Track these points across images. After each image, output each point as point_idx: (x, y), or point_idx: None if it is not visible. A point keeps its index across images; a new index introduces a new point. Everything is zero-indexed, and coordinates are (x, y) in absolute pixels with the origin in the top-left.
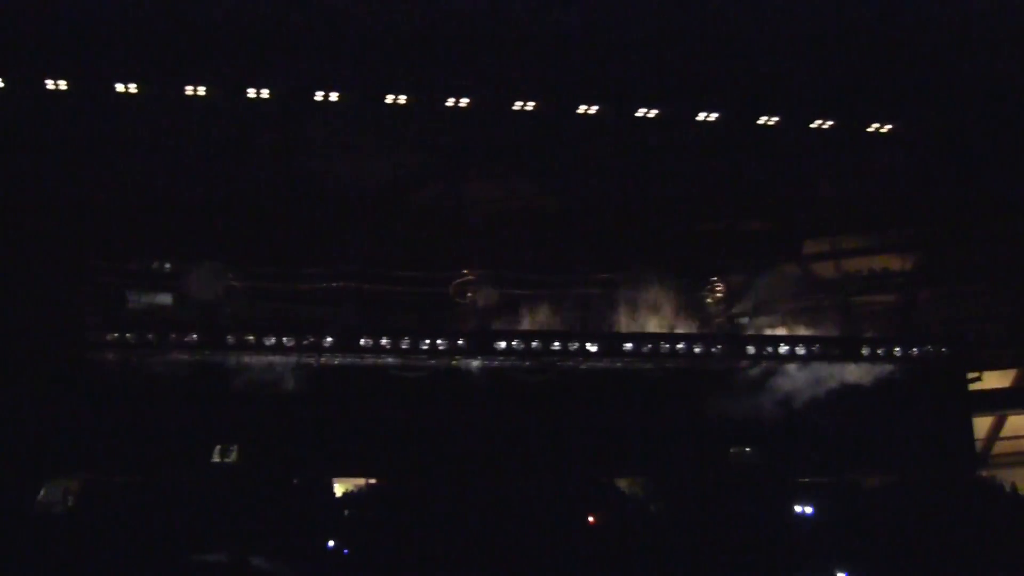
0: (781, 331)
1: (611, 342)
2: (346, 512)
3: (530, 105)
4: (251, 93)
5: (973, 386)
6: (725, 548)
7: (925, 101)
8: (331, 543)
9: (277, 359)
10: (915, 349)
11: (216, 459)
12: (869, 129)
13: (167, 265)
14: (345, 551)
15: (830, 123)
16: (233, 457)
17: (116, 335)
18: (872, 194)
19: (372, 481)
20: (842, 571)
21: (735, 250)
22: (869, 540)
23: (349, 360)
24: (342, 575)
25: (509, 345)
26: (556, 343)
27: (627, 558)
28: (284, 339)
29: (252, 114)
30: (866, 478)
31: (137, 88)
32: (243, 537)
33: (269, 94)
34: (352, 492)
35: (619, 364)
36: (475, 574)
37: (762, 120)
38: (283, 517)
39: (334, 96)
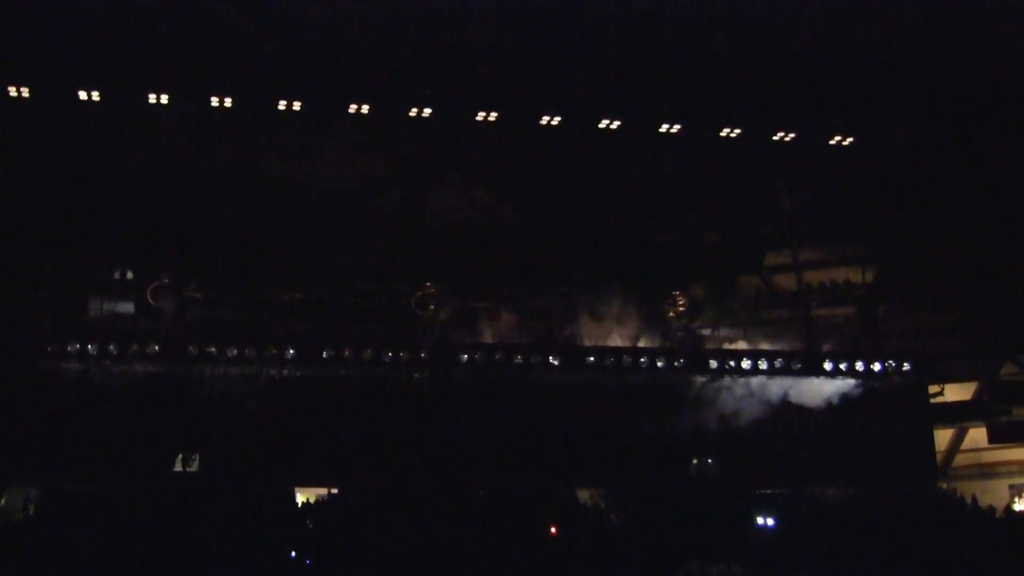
0: (743, 345)
1: (573, 355)
2: (308, 523)
3: (492, 116)
4: (214, 102)
5: (934, 400)
6: (685, 558)
7: (886, 115)
8: (293, 553)
9: (239, 370)
10: (877, 364)
11: (178, 468)
12: (831, 142)
13: (128, 274)
14: (307, 561)
15: (792, 136)
16: (195, 466)
17: (77, 346)
18: (833, 207)
19: (334, 491)
20: None
21: (696, 262)
22: (829, 551)
23: (311, 372)
24: None
25: (471, 358)
26: (518, 356)
27: (587, 568)
28: (246, 350)
29: (215, 122)
30: (826, 489)
31: (99, 96)
32: (206, 547)
33: (232, 102)
34: (314, 502)
35: (581, 378)
36: None
37: (724, 132)
38: (245, 527)
39: (297, 105)
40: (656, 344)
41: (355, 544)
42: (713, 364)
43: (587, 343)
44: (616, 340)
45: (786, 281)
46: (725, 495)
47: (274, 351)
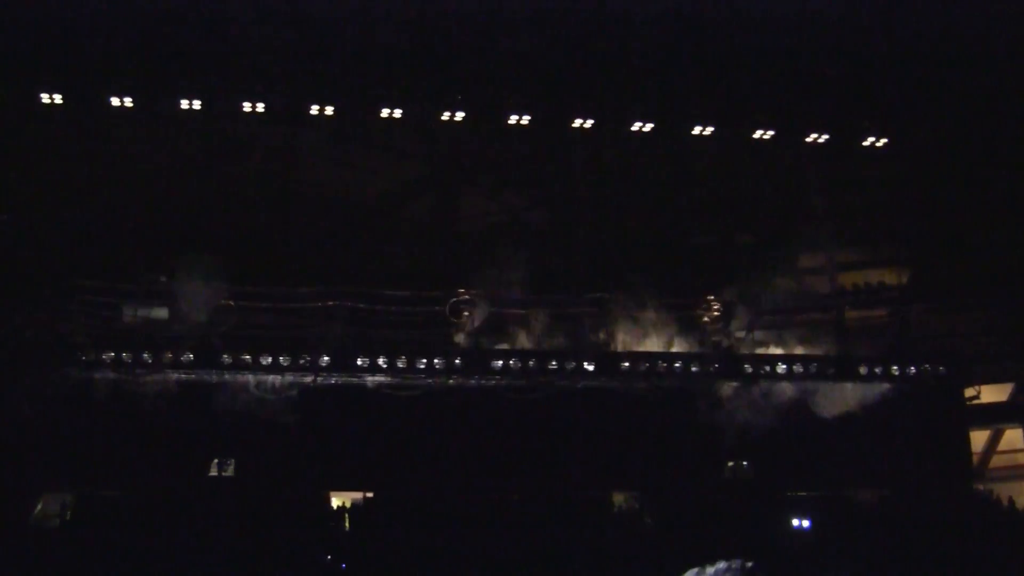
0: (777, 349)
1: (607, 361)
2: (343, 526)
3: (525, 119)
4: (247, 107)
5: (970, 402)
6: (718, 560)
7: (919, 116)
8: (328, 557)
9: (273, 378)
10: (912, 368)
11: (213, 473)
12: (864, 144)
13: (162, 281)
14: (343, 565)
15: (825, 137)
16: (229, 471)
17: (112, 354)
18: (866, 208)
19: (369, 495)
20: None
21: (730, 264)
22: (864, 553)
23: (345, 379)
24: None
25: (505, 364)
26: (552, 362)
27: (622, 571)
28: (280, 358)
29: (247, 128)
30: (861, 491)
31: (132, 102)
32: (241, 551)
33: (264, 108)
34: (349, 506)
35: (615, 383)
36: None
37: (757, 134)
38: (279, 531)
39: (329, 110)
40: (690, 349)
41: (390, 548)
42: (747, 369)
43: (620, 348)
44: (650, 345)
45: (820, 283)
46: (759, 497)
47: (307, 358)
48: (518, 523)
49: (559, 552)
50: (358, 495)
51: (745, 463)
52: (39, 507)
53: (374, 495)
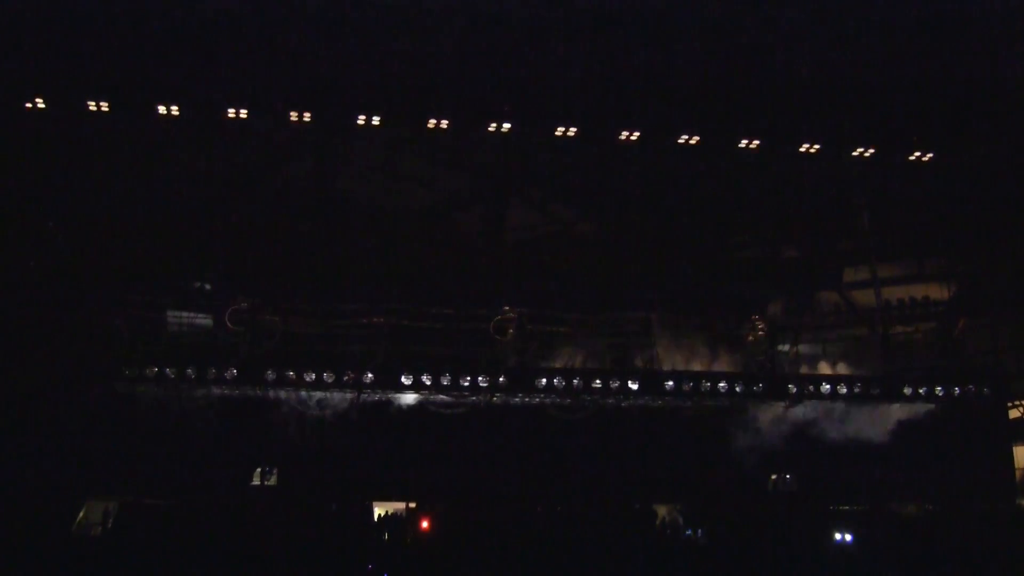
0: (822, 363)
1: (652, 380)
2: (385, 536)
3: (572, 131)
4: (293, 117)
5: (1014, 417)
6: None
7: (965, 130)
8: (370, 566)
9: (317, 394)
10: (956, 389)
11: (256, 482)
12: (910, 158)
13: (206, 296)
14: (385, 574)
15: (871, 151)
16: (272, 480)
17: (155, 369)
18: (912, 222)
19: (411, 505)
20: None
21: (775, 278)
22: (907, 569)
23: (389, 395)
24: None
25: (550, 382)
26: (597, 381)
27: None
28: (324, 375)
29: (293, 138)
30: (905, 506)
31: (178, 110)
32: (283, 560)
33: (311, 118)
34: (391, 515)
35: (659, 402)
36: None
37: (803, 148)
38: (322, 540)
39: (376, 120)
40: (734, 368)
41: (431, 558)
42: (792, 389)
43: (665, 367)
44: (694, 364)
45: (865, 297)
46: (803, 511)
47: (352, 375)
48: (561, 535)
49: (599, 562)
50: (400, 505)
51: (788, 476)
52: (82, 514)
53: (416, 506)
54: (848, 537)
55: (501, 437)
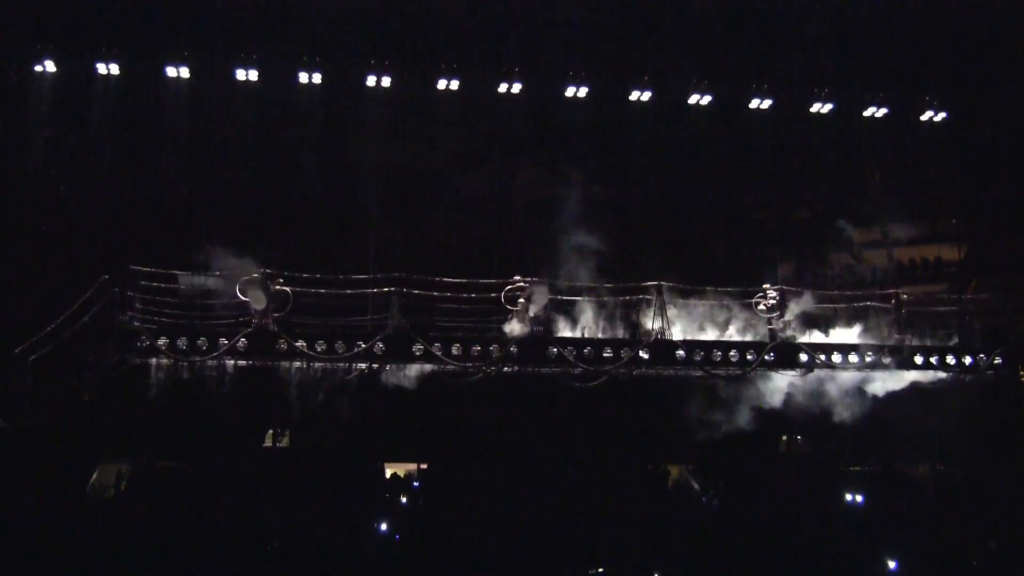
0: (835, 332)
1: (663, 349)
2: (398, 497)
3: (582, 92)
4: (303, 78)
5: None
6: (775, 534)
7: (979, 90)
8: (383, 527)
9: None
10: (968, 358)
11: (268, 443)
12: (923, 118)
13: (217, 265)
14: (396, 536)
15: (883, 111)
16: (285, 442)
17: (167, 340)
18: (925, 183)
19: (423, 466)
20: (891, 559)
21: (786, 239)
22: (919, 528)
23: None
24: (393, 559)
25: (561, 352)
26: (608, 350)
27: (681, 544)
28: (335, 344)
29: (303, 100)
30: (916, 467)
31: (188, 72)
32: (296, 520)
33: (321, 79)
34: (403, 476)
35: (671, 372)
36: (528, 561)
37: (815, 108)
38: (334, 501)
39: (386, 81)
40: (746, 336)
41: (444, 518)
42: (804, 359)
43: (675, 336)
44: (706, 333)
45: (877, 258)
46: (814, 471)
47: (363, 345)
48: (573, 495)
49: (610, 523)
50: (412, 466)
51: (799, 437)
52: (95, 477)
53: (428, 467)
54: (859, 498)
55: (512, 402)
